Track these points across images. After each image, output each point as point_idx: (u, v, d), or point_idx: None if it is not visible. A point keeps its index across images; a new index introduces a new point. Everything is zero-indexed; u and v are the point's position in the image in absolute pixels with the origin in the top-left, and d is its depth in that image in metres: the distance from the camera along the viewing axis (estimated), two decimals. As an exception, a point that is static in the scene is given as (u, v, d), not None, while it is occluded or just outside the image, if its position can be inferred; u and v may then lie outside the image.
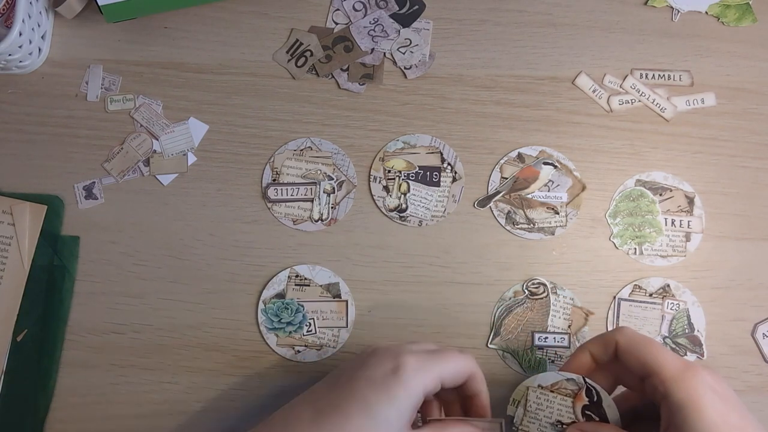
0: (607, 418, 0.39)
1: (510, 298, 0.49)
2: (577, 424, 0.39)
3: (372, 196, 0.51)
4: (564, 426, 0.39)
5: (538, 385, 0.40)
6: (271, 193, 0.50)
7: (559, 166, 0.51)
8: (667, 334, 0.49)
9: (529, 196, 0.51)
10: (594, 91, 0.52)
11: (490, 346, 0.49)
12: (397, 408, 0.35)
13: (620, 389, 0.42)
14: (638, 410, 0.41)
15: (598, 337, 0.40)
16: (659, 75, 0.53)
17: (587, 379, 0.39)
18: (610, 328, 0.49)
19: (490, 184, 0.51)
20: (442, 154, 0.51)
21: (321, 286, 0.49)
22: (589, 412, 0.39)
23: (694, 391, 0.34)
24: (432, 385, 0.37)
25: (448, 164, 0.51)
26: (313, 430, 0.36)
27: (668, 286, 0.50)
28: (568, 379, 0.40)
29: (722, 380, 0.36)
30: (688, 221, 0.50)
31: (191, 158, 0.51)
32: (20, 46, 0.48)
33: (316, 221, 0.50)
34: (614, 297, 0.50)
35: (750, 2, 0.53)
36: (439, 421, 0.40)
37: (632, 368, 0.38)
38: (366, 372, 0.37)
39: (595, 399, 0.39)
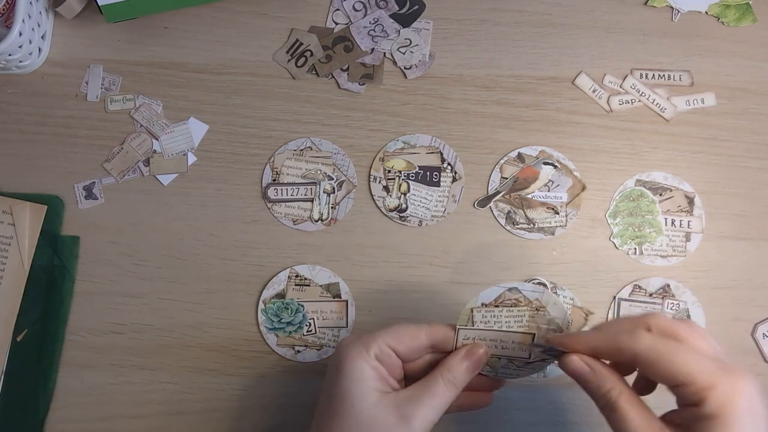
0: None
1: (510, 298, 0.49)
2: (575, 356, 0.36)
3: (372, 196, 0.51)
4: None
5: (482, 304, 0.39)
6: (271, 193, 0.50)
7: (559, 166, 0.51)
8: (667, 334, 0.49)
9: (529, 196, 0.51)
10: (594, 91, 0.52)
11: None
12: (344, 377, 0.36)
13: None
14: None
15: (609, 338, 0.35)
16: (659, 75, 0.53)
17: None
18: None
19: (490, 184, 0.51)
20: (442, 154, 0.51)
21: (321, 286, 0.49)
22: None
23: (729, 402, 0.31)
24: (376, 346, 0.37)
25: (448, 164, 0.51)
26: None
27: (668, 286, 0.50)
28: (510, 289, 0.39)
29: (758, 388, 0.32)
30: (688, 221, 0.50)
31: (191, 158, 0.51)
32: (20, 46, 0.48)
33: (316, 221, 0.50)
34: (614, 297, 0.50)
35: (750, 2, 0.53)
36: (422, 382, 0.38)
37: (656, 379, 0.34)
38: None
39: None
